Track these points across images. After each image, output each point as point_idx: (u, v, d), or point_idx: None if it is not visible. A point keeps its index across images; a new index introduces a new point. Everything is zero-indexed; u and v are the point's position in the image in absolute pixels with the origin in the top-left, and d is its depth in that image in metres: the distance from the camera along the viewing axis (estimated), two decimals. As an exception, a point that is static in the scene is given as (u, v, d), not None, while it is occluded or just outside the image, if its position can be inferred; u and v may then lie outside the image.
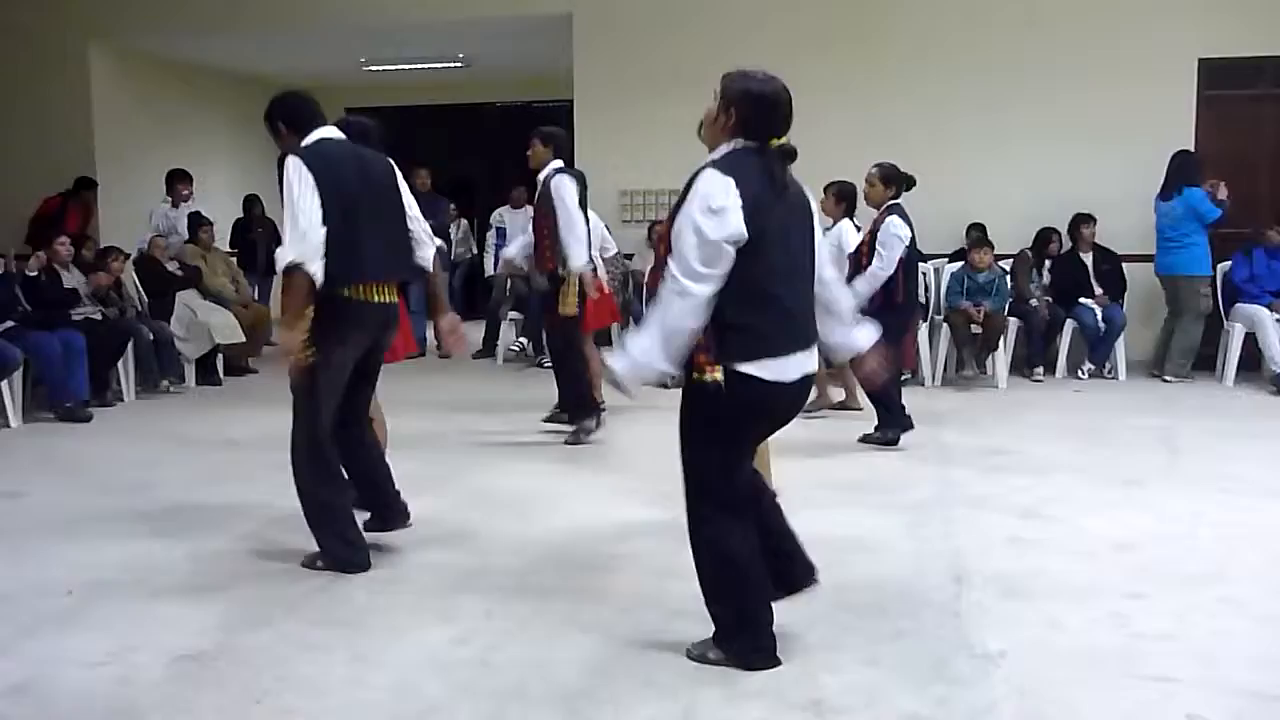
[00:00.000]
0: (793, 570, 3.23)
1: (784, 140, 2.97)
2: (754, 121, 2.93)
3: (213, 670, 3.11)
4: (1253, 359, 7.89)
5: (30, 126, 10.00)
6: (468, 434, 6.32)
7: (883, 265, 5.70)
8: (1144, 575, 3.82)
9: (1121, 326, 8.18)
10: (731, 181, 2.83)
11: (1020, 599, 3.61)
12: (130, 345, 7.61)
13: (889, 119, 8.81)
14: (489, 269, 10.29)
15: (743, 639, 3.06)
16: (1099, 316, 8.19)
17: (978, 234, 8.45)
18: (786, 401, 3.02)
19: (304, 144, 3.78)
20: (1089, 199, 8.46)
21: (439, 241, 4.28)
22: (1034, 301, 8.24)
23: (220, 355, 8.40)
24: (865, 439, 5.95)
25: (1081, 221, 8.38)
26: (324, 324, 3.74)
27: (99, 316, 7.50)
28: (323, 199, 3.63)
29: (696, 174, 2.90)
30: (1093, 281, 8.34)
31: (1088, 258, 8.40)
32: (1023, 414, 6.95)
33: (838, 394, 6.94)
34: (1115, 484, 5.12)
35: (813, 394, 6.50)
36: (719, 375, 2.88)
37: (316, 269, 3.60)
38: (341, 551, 3.90)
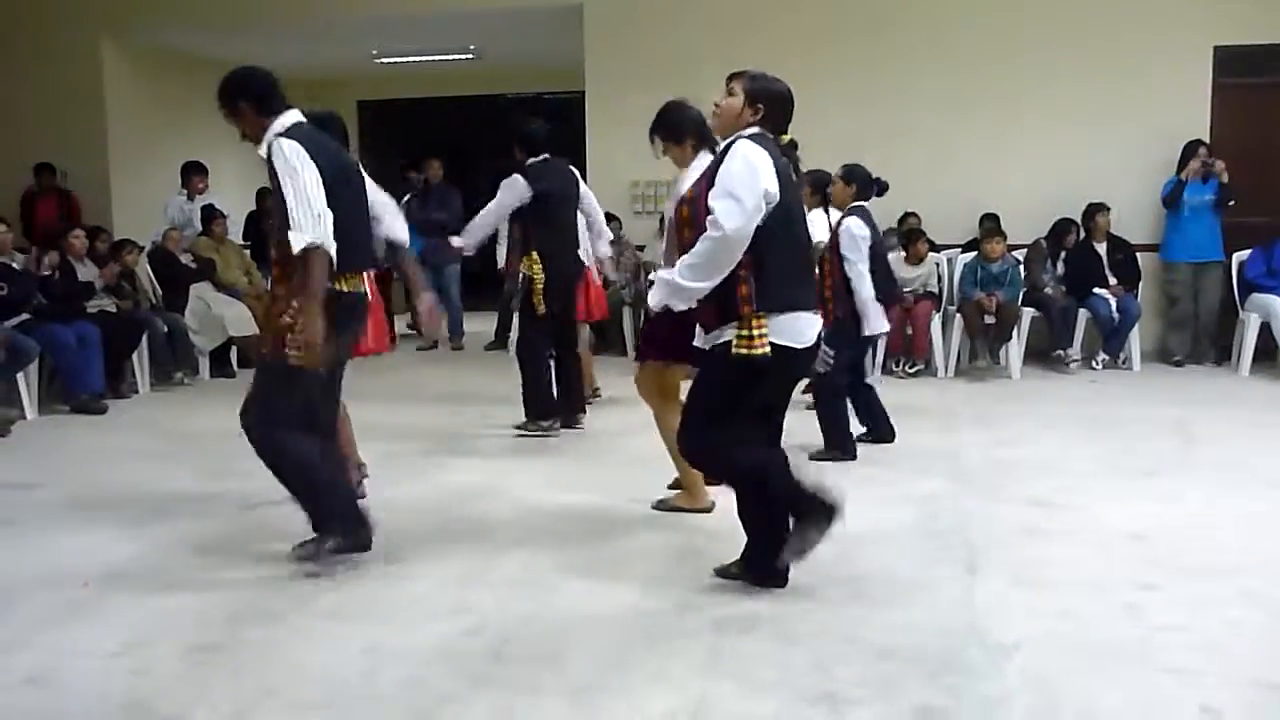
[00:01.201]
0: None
1: (792, 137, 3.45)
2: (776, 117, 3.39)
3: (227, 662, 3.12)
4: (1269, 349, 7.85)
5: (43, 121, 10.02)
6: (479, 425, 6.32)
7: (858, 271, 5.40)
8: (1158, 566, 3.81)
9: (1136, 316, 8.14)
10: (765, 151, 3.26)
11: (1034, 590, 3.60)
12: (145, 338, 7.64)
13: (902, 110, 8.78)
14: (501, 260, 10.27)
15: (766, 565, 3.49)
16: (1113, 307, 8.14)
17: (990, 224, 8.41)
18: (805, 363, 3.43)
19: (286, 127, 3.66)
20: (1103, 188, 8.41)
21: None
22: (1049, 290, 8.21)
23: (234, 347, 8.42)
24: (815, 457, 5.40)
25: (1095, 211, 8.33)
26: (331, 315, 3.64)
27: (114, 309, 7.54)
28: (328, 187, 3.59)
29: (729, 145, 3.31)
30: (1107, 271, 8.30)
31: (1102, 248, 8.35)
32: (1036, 404, 6.93)
33: None
34: (1130, 474, 5.10)
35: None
36: (768, 350, 3.24)
37: (334, 250, 3.55)
38: (349, 527, 3.77)
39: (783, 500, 3.41)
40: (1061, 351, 8.17)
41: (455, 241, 6.17)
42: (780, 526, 3.42)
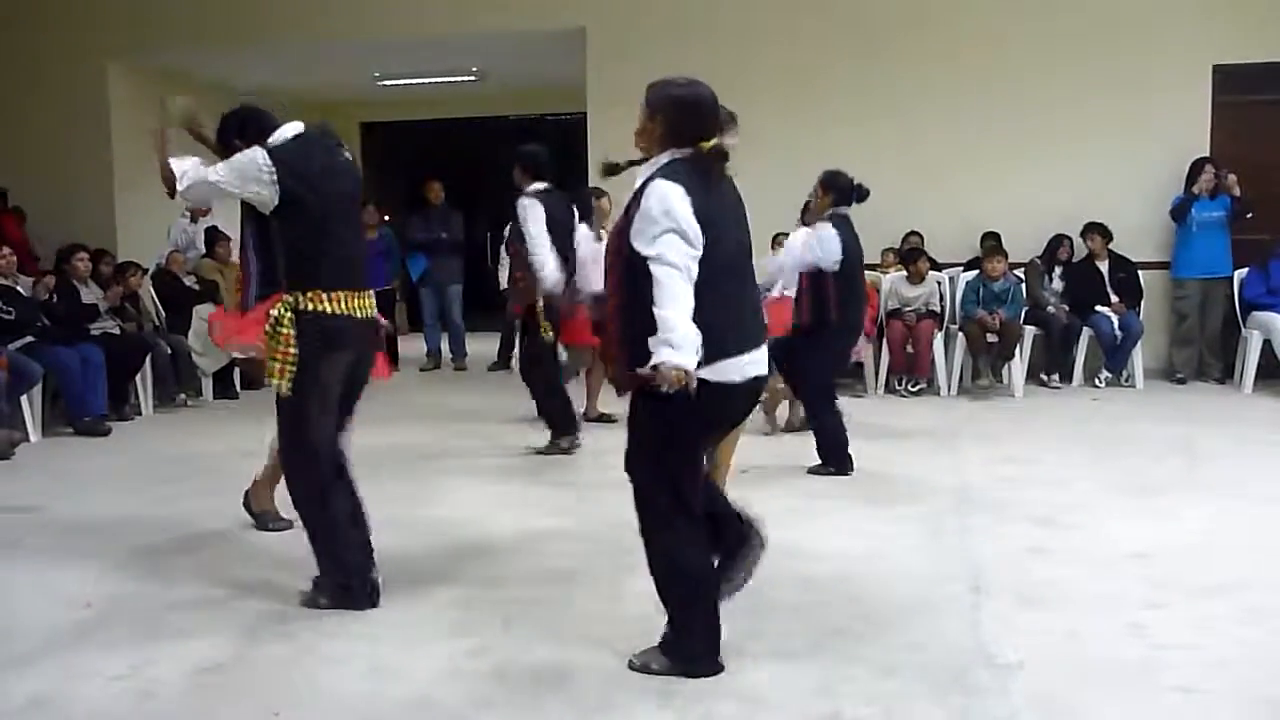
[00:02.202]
0: (732, 536, 3.24)
1: (715, 142, 2.98)
2: (680, 126, 2.97)
3: (232, 683, 3.12)
4: (1272, 366, 7.85)
5: (50, 144, 10.08)
6: (483, 446, 6.32)
7: (788, 257, 5.41)
8: (1164, 584, 3.80)
9: (1138, 334, 8.16)
10: (681, 188, 2.87)
11: (1039, 609, 3.60)
12: (148, 359, 7.66)
13: (903, 129, 8.81)
14: (503, 282, 10.30)
15: (690, 647, 3.08)
16: (1115, 325, 8.16)
17: (992, 243, 8.45)
18: (737, 402, 3.08)
19: (271, 141, 3.61)
20: (1104, 207, 8.46)
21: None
22: (1051, 308, 8.23)
23: (237, 369, 8.44)
24: (813, 470, 5.55)
25: (1091, 231, 8.37)
26: (309, 338, 3.56)
27: (117, 331, 7.56)
28: (300, 200, 3.52)
29: (644, 186, 2.93)
30: (1109, 290, 8.32)
31: (1104, 266, 8.39)
32: (1040, 423, 6.93)
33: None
34: (1134, 492, 5.09)
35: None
36: (693, 385, 2.85)
37: (189, 186, 3.66)
38: (338, 595, 3.67)
39: (688, 612, 3.07)
40: (1045, 376, 8.28)
41: (547, 284, 5.81)
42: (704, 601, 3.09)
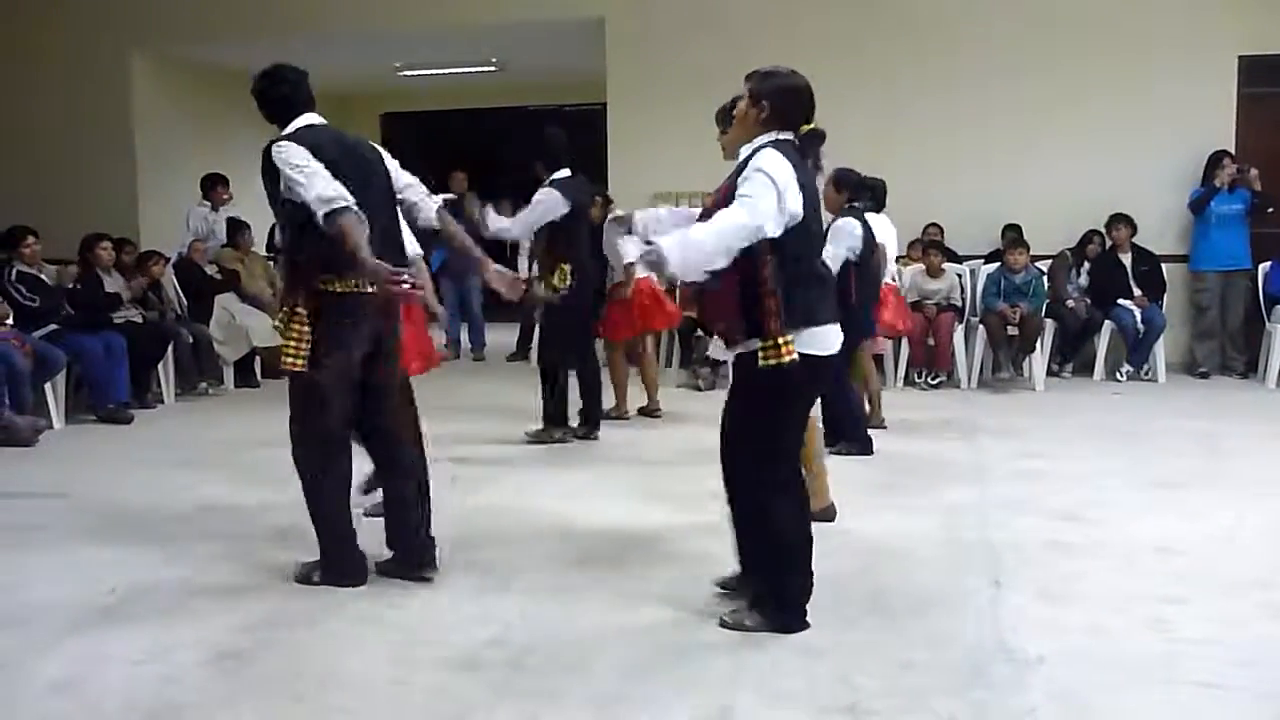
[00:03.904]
0: None
1: (815, 125, 3.27)
2: (787, 112, 3.23)
3: (253, 669, 3.14)
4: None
5: (73, 133, 10.16)
6: (502, 437, 6.33)
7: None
8: (1185, 579, 3.78)
9: (1161, 328, 8.09)
10: (789, 164, 3.13)
11: (1060, 603, 3.58)
12: (170, 348, 7.71)
13: (922, 121, 8.78)
14: (522, 272, 10.31)
15: (788, 608, 3.30)
16: (1138, 318, 8.10)
17: (1013, 235, 8.39)
18: (828, 372, 3.32)
19: (285, 131, 3.66)
20: (1127, 199, 8.38)
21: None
22: (1070, 302, 8.18)
23: (258, 357, 8.48)
24: (836, 451, 5.57)
25: (1116, 223, 8.31)
26: (330, 316, 3.61)
27: (140, 319, 7.61)
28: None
29: (754, 153, 3.16)
30: (1131, 282, 8.26)
31: (1126, 258, 8.32)
32: (1060, 416, 6.89)
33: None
34: (1155, 487, 5.06)
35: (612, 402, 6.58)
36: (795, 356, 3.10)
37: (355, 207, 3.46)
38: (334, 570, 3.78)
39: (784, 575, 3.32)
40: (1055, 366, 8.32)
41: (499, 224, 5.90)
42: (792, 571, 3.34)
